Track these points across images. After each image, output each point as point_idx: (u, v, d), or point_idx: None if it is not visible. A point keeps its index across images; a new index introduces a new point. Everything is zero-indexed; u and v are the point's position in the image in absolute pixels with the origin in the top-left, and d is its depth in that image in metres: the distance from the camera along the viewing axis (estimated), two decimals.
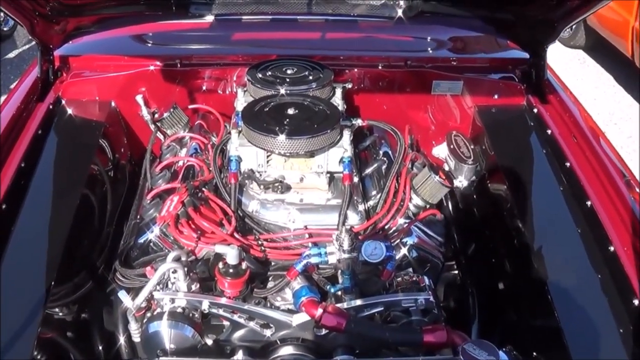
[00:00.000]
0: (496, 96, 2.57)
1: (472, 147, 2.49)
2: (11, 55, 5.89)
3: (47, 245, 1.86)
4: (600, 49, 6.43)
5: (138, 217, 2.18)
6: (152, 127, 2.59)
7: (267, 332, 1.81)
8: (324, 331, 1.78)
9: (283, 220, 2.00)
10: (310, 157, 2.04)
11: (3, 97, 5.09)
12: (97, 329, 2.02)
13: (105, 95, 2.54)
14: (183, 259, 1.82)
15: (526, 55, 2.55)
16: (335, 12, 2.50)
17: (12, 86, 5.50)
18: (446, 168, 2.52)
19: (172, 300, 1.76)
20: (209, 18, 2.54)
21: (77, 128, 2.40)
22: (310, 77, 2.30)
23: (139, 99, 2.54)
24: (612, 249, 1.76)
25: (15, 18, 2.20)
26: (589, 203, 1.93)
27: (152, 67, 2.55)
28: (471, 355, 1.49)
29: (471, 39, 2.77)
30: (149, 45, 2.66)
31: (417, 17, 2.48)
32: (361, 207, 2.04)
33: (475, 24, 2.59)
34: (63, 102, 2.43)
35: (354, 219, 2.00)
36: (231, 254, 1.76)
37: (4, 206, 1.85)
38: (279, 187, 2.00)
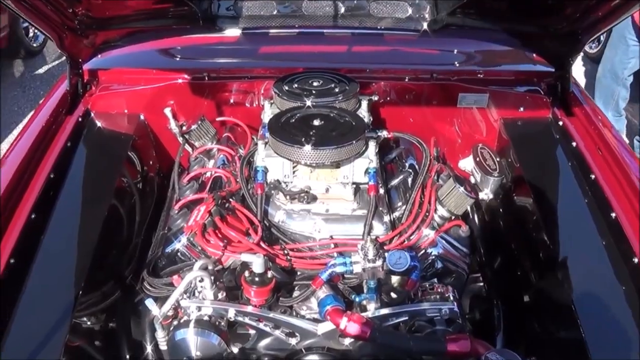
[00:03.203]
0: (522, 109, 2.57)
1: (497, 159, 2.49)
2: (41, 70, 6.02)
3: (75, 254, 1.89)
4: None
5: (166, 227, 2.21)
6: (180, 139, 2.62)
7: (293, 341, 1.82)
8: (349, 340, 1.79)
9: (309, 230, 2.01)
10: (336, 168, 2.05)
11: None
12: (124, 337, 2.04)
13: (134, 108, 2.59)
14: (210, 267, 1.84)
15: (551, 68, 2.55)
16: (361, 25, 2.52)
17: (42, 101, 5.65)
18: (472, 180, 2.52)
19: (199, 308, 1.78)
20: (236, 32, 2.58)
21: (106, 140, 2.44)
22: (336, 90, 2.33)
23: (167, 111, 2.58)
24: (636, 260, 1.74)
25: (45, 32, 2.24)
26: (613, 215, 1.93)
27: (180, 80, 2.59)
28: None
29: (496, 51, 2.77)
30: (177, 58, 2.71)
31: (442, 30, 2.49)
32: (386, 218, 2.05)
33: (500, 37, 2.59)
34: (92, 114, 2.47)
35: (379, 229, 2.01)
36: (257, 263, 1.77)
37: (33, 216, 1.88)
38: (305, 197, 2.02)
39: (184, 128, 2.55)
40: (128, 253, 2.24)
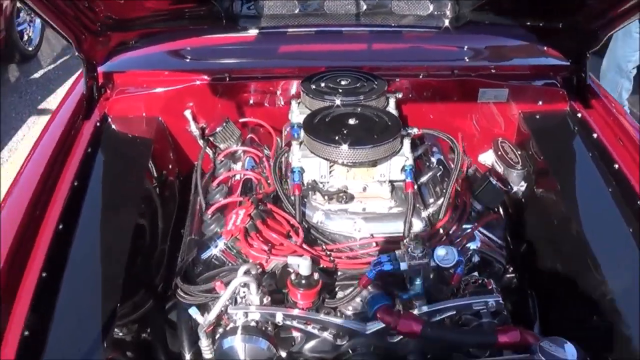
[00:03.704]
0: (540, 102, 2.59)
1: (519, 152, 2.51)
2: (37, 75, 5.89)
3: (106, 265, 1.85)
4: None
5: (193, 233, 2.20)
6: (200, 142, 2.60)
7: (340, 342, 1.82)
8: (397, 338, 1.80)
9: (348, 230, 2.00)
10: (372, 167, 2.05)
11: (32, 118, 5.21)
12: (160, 348, 2.02)
13: (152, 111, 2.55)
14: (252, 272, 1.83)
15: (568, 62, 2.58)
16: (382, 23, 2.52)
17: (39, 106, 5.61)
18: None
19: (246, 315, 1.77)
20: (257, 31, 2.56)
21: (126, 145, 2.41)
22: (366, 88, 2.32)
23: (188, 114, 2.56)
24: None
25: (64, 34, 2.18)
26: None
27: (200, 82, 2.56)
28: (549, 352, 1.53)
29: (515, 46, 2.78)
30: (196, 59, 2.67)
31: (463, 27, 2.50)
32: (424, 214, 2.05)
33: (518, 32, 2.61)
34: (110, 119, 2.43)
35: (418, 225, 2.01)
36: (304, 265, 1.77)
37: (60, 226, 1.84)
38: (344, 197, 2.01)
39: (207, 130, 2.53)
40: (156, 261, 2.21)
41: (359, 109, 2.16)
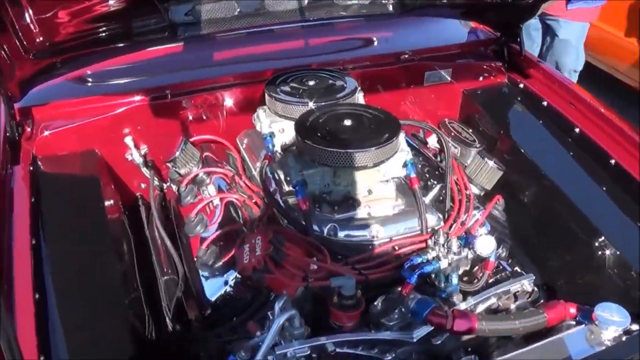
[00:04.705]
0: (481, 78, 2.64)
1: (470, 130, 2.53)
2: None
3: (102, 327, 1.61)
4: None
5: (165, 272, 1.96)
6: (144, 170, 2.32)
7: (388, 357, 1.70)
8: (440, 340, 1.72)
9: (364, 237, 1.88)
10: (374, 167, 1.94)
11: None
12: None
13: (87, 144, 2.21)
14: (288, 305, 1.64)
15: (504, 35, 2.62)
16: (327, 16, 2.39)
17: None
18: None
19: (294, 352, 1.59)
20: (197, 39, 2.30)
21: (71, 187, 2.07)
22: (337, 86, 2.19)
23: (129, 141, 2.27)
24: None
25: None
26: (613, 161, 2.02)
27: (138, 104, 2.24)
28: (604, 318, 1.54)
29: (454, 25, 2.79)
30: (131, 78, 2.33)
31: (405, 12, 2.45)
32: (434, 208, 2.00)
33: (455, 12, 2.63)
34: (40, 160, 2.07)
35: (432, 220, 1.94)
36: (348, 285, 1.63)
37: (37, 296, 1.54)
38: (352, 203, 1.89)
39: (146, 156, 2.31)
40: (139, 310, 1.94)
41: (350, 109, 2.02)
